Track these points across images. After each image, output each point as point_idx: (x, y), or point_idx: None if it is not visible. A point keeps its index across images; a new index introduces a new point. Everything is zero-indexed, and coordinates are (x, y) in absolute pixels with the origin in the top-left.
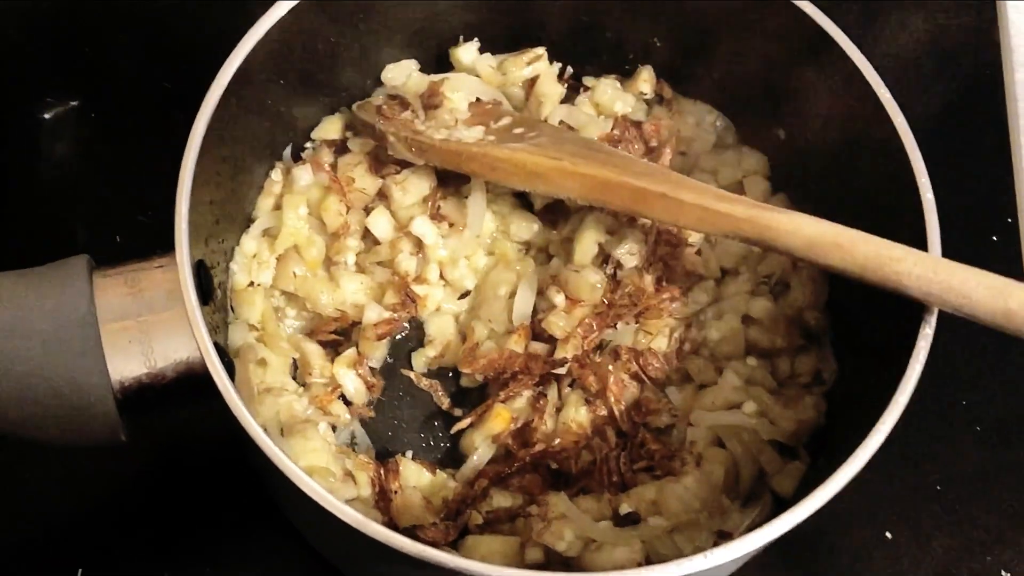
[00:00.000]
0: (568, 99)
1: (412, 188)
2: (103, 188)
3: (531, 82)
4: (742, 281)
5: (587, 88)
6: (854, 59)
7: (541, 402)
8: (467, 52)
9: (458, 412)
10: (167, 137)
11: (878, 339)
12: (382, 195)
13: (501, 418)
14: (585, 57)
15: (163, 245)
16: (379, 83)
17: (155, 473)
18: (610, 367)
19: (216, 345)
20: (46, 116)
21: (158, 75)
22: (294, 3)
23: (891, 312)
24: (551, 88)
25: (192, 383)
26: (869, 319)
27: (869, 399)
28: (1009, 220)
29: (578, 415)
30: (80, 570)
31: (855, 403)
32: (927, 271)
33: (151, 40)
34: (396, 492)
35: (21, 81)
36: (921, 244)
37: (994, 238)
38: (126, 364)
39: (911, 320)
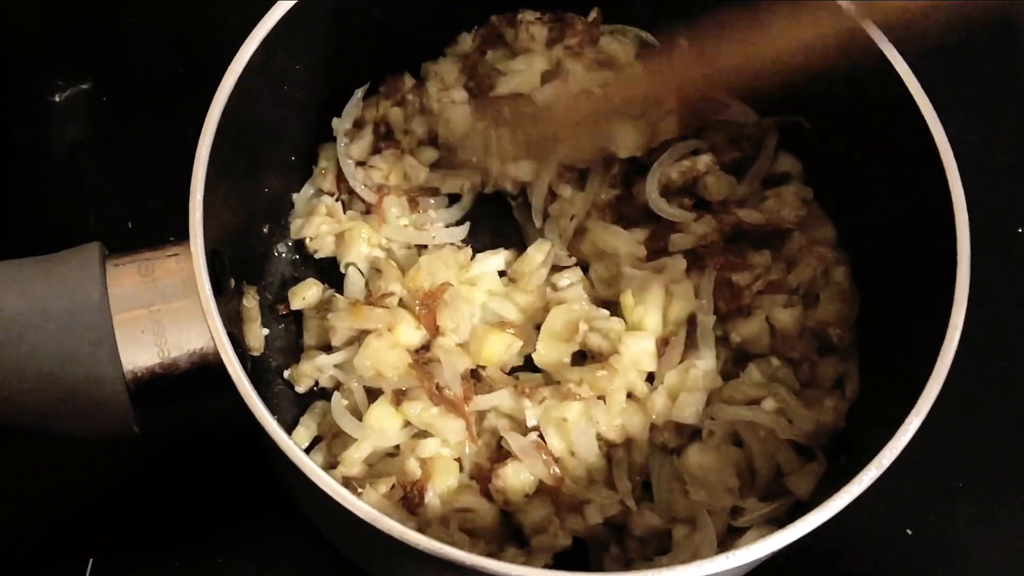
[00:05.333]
0: None
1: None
2: (114, 172)
3: None
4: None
5: None
6: (883, 49)
7: None
8: None
9: None
10: (179, 122)
11: (904, 352)
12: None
13: None
14: None
15: (174, 231)
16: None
17: (167, 463)
18: None
19: (231, 335)
20: (57, 99)
21: (172, 58)
22: None
23: (919, 321)
24: None
25: (206, 374)
26: (896, 334)
27: (893, 401)
28: None
29: None
30: (91, 560)
31: (878, 407)
32: None
33: (164, 22)
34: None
35: (32, 63)
36: (950, 238)
37: (1019, 230)
38: (139, 354)
39: (940, 324)
